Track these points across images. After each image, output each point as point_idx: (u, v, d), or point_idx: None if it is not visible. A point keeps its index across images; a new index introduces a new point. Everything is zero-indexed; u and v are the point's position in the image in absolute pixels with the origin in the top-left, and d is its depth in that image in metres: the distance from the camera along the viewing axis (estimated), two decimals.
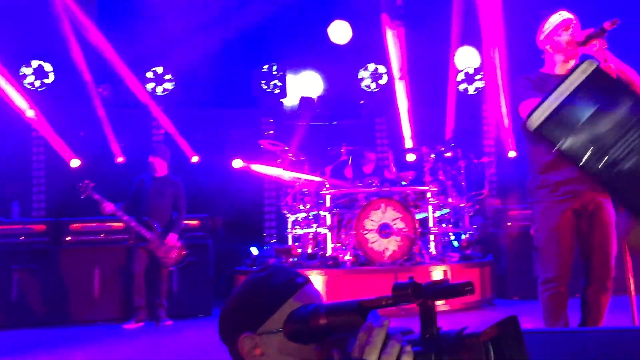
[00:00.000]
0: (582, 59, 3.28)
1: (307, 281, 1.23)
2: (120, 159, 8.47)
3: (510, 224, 7.36)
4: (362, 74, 9.59)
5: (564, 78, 3.02)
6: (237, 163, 7.60)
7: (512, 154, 9.22)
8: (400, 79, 8.86)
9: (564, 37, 3.21)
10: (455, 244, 7.02)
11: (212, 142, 8.74)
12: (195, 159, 8.70)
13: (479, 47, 9.54)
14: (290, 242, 6.97)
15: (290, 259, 6.47)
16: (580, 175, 3.08)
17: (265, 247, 8.29)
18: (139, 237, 6.04)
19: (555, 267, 3.17)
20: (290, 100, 9.43)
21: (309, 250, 6.65)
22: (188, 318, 6.51)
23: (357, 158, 7.29)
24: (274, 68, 9.44)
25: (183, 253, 6.18)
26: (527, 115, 3.07)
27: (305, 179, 6.72)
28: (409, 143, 8.62)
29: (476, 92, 9.78)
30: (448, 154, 7.21)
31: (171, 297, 6.35)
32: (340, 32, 9.06)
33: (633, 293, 2.94)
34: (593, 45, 3.03)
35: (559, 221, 3.16)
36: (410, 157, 8.42)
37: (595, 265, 3.15)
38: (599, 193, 3.14)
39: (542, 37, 3.33)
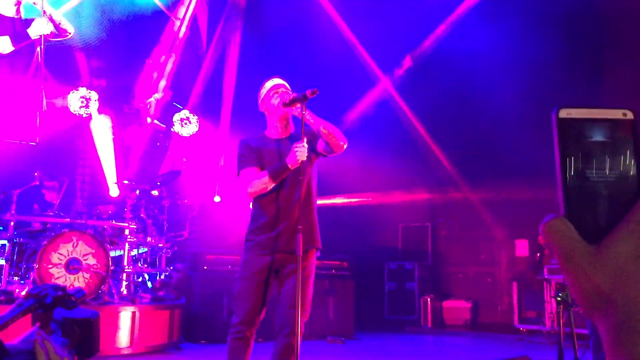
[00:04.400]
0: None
1: None
2: None
3: (206, 267, 7.47)
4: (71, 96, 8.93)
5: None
6: None
7: (217, 198, 9.48)
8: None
9: (275, 99, 3.50)
10: (149, 284, 6.83)
11: None
12: None
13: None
14: None
15: None
16: (277, 236, 3.38)
17: None
18: None
19: (240, 313, 3.32)
20: None
21: None
22: None
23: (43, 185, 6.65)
24: None
25: None
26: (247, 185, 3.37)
27: None
28: (112, 177, 8.20)
29: (189, 135, 9.90)
30: (154, 192, 7.07)
31: None
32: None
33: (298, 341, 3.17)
34: (297, 107, 3.35)
35: (254, 272, 3.37)
36: (114, 191, 8.05)
37: (278, 319, 3.36)
38: (291, 253, 3.39)
39: (259, 100, 3.63)
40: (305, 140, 3.28)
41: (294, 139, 3.53)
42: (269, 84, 3.59)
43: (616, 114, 0.61)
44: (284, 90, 3.55)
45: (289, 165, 3.27)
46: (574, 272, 0.55)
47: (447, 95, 9.94)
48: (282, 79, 3.66)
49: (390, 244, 11.08)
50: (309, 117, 3.34)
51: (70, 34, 6.48)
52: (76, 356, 1.38)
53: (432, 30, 10.23)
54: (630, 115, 0.61)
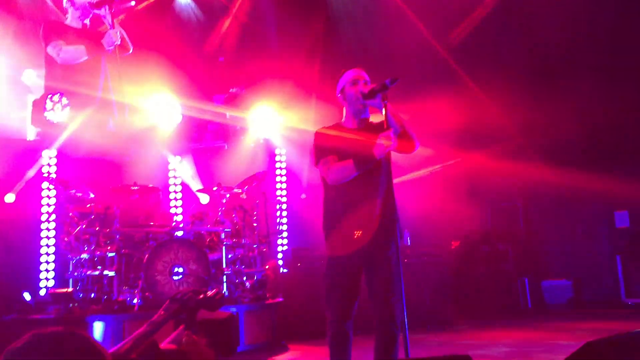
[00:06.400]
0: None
1: None
2: None
3: (299, 264, 7.58)
4: None
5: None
6: (9, 197, 6.80)
7: (303, 195, 9.52)
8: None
9: (354, 89, 3.50)
10: (248, 284, 6.99)
11: None
12: None
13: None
14: (71, 286, 6.34)
15: (71, 304, 5.89)
16: (363, 229, 3.34)
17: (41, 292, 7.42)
18: None
19: (335, 309, 3.36)
20: None
21: (93, 294, 6.12)
22: None
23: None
24: None
25: None
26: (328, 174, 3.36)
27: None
28: (197, 184, 8.38)
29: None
30: (243, 195, 7.23)
31: None
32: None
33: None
34: (377, 98, 3.32)
35: (341, 268, 3.39)
36: (204, 199, 8.26)
37: (377, 309, 3.36)
38: (380, 245, 3.37)
39: (338, 91, 3.62)
40: (392, 130, 3.25)
41: (370, 129, 3.50)
42: (348, 74, 3.58)
43: None
44: (364, 81, 3.54)
45: (376, 155, 3.23)
46: None
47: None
48: (361, 69, 3.64)
49: (481, 226, 10.81)
50: (390, 108, 3.29)
51: (129, 51, 6.68)
52: (219, 354, 1.45)
53: None
54: None
